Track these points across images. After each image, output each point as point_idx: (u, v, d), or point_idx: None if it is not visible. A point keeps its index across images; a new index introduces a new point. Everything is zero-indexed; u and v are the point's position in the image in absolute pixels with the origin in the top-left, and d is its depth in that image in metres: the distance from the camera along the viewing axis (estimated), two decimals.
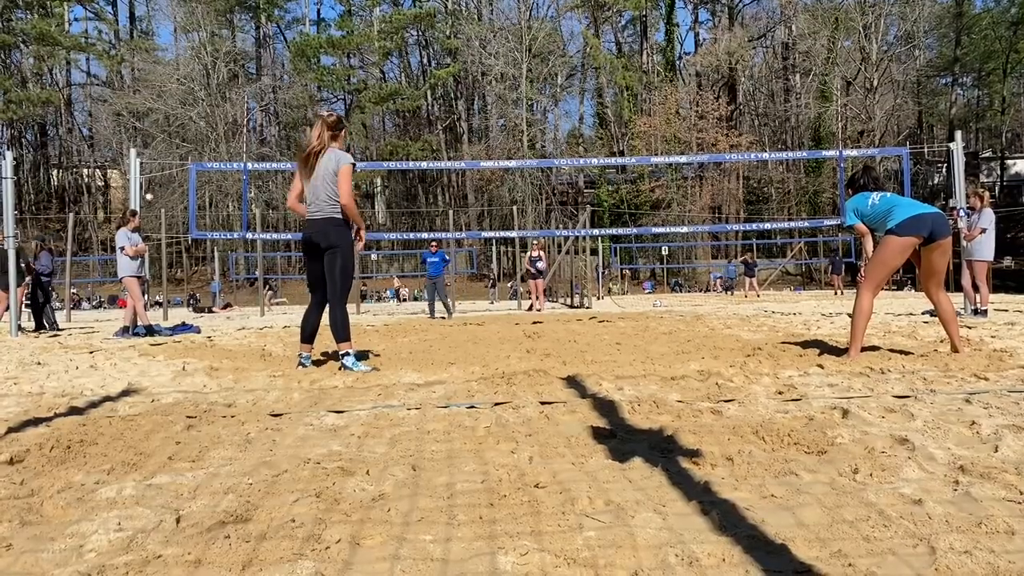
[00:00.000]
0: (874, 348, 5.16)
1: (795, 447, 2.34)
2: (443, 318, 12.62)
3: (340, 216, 4.77)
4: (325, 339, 5.67)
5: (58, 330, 11.30)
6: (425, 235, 16.52)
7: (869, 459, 2.14)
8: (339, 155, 4.78)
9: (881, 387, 3.45)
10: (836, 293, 25.93)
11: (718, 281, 35.89)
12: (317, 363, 5.17)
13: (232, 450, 2.50)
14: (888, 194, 4.93)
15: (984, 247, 8.83)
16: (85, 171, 51.55)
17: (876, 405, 2.94)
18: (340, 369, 4.67)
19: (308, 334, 4.97)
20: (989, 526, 1.58)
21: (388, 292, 42.32)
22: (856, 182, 5.21)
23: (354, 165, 4.85)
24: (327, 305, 4.90)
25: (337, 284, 4.78)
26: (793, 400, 3.17)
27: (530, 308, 17.54)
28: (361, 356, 5.41)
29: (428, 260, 13.56)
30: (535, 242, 17.05)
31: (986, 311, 8.70)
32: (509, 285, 33.39)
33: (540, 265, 16.04)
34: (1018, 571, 1.37)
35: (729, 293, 28.65)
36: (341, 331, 4.79)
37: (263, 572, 1.44)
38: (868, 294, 4.82)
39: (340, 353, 4.80)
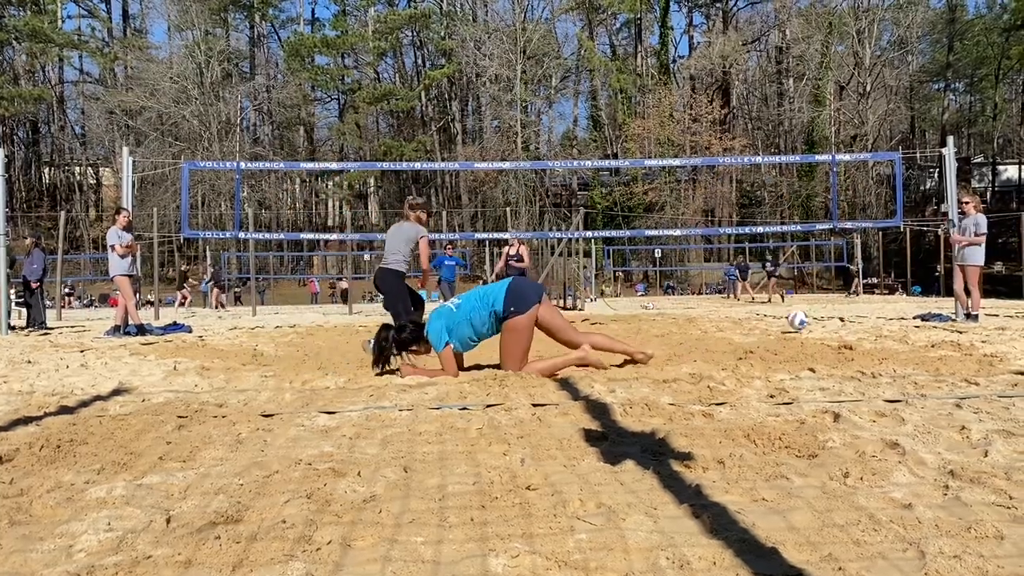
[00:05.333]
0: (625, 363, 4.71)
1: (786, 451, 2.34)
2: None
3: (396, 269, 6.21)
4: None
5: (47, 329, 11.23)
6: None
7: (860, 463, 2.15)
8: (418, 229, 6.24)
9: (872, 391, 3.46)
10: (731, 297, 25.37)
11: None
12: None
13: (223, 450, 2.49)
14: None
15: (977, 252, 8.90)
16: (77, 169, 51.21)
17: (867, 409, 2.95)
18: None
19: None
20: (978, 531, 1.59)
21: None
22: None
23: (427, 236, 6.30)
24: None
25: (394, 309, 6.14)
26: (784, 404, 3.18)
27: None
28: None
29: (444, 263, 13.08)
30: (515, 240, 16.08)
31: (977, 316, 8.76)
32: None
33: (519, 265, 15.28)
34: None
35: (727, 296, 28.70)
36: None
37: (253, 573, 1.44)
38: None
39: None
